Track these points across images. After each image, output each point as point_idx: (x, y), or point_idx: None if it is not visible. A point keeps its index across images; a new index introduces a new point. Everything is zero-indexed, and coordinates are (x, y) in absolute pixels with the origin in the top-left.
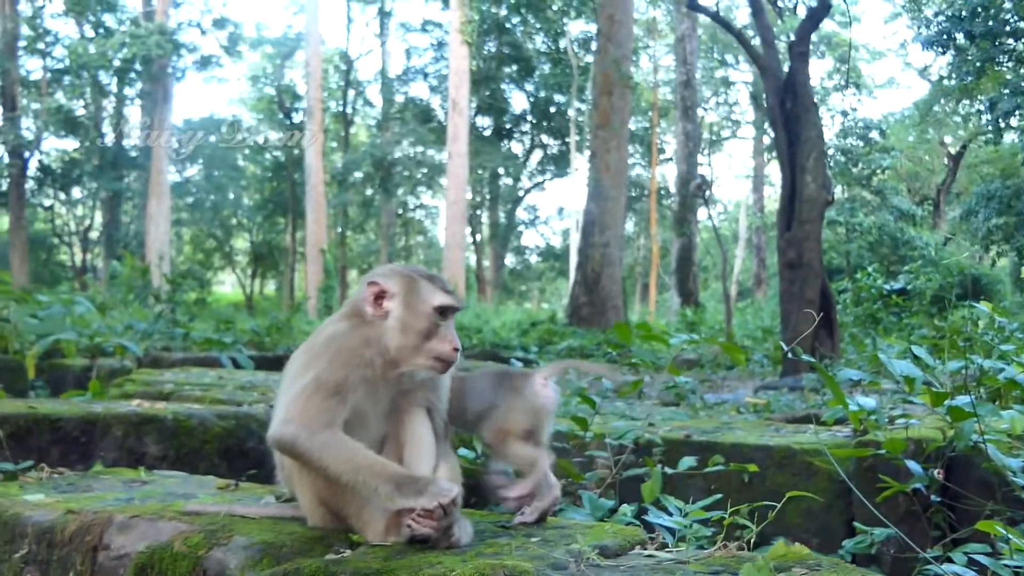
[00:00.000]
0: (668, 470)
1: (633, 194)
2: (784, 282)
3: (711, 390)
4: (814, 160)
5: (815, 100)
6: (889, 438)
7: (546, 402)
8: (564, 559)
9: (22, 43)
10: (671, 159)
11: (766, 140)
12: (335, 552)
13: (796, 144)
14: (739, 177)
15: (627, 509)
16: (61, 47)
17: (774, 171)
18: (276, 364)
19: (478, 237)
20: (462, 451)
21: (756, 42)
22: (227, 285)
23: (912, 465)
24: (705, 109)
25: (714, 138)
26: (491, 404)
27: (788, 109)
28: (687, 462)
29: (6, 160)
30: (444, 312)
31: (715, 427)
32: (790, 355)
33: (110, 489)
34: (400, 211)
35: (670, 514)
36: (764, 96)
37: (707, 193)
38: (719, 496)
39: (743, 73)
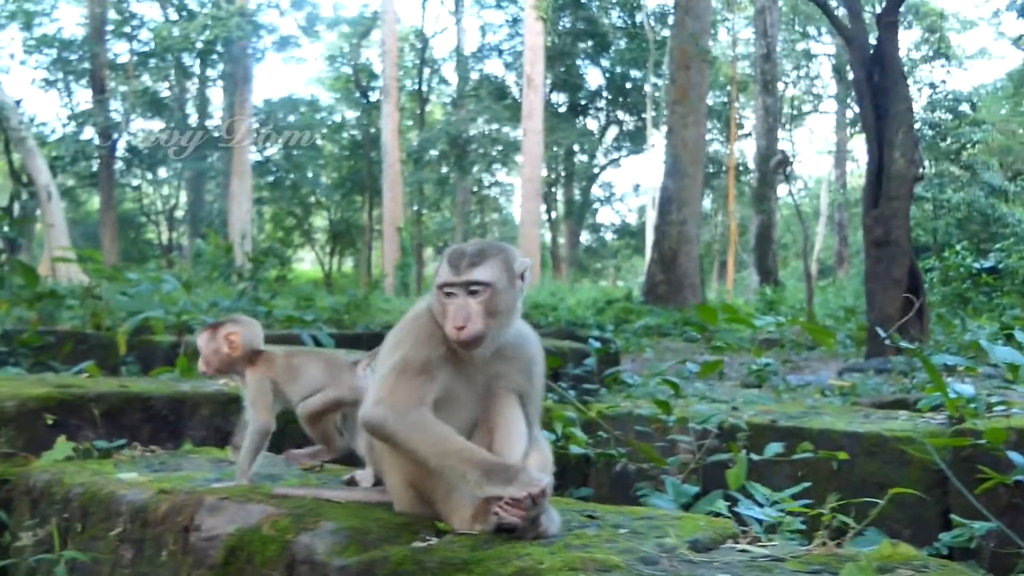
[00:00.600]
0: (754, 456)
1: (711, 170)
2: (870, 261)
3: (793, 372)
4: (903, 135)
5: (903, 72)
6: (990, 427)
7: (364, 386)
8: (655, 553)
9: (109, 27)
10: (750, 134)
11: (849, 114)
12: (421, 539)
13: (884, 118)
14: (820, 152)
15: (720, 504)
16: (146, 30)
17: (858, 146)
18: (355, 342)
19: (553, 214)
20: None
21: (841, 13)
22: (306, 262)
23: (1014, 456)
24: (786, 83)
25: (795, 112)
26: (320, 385)
27: (875, 82)
28: (774, 448)
29: (96, 142)
30: (444, 289)
31: (801, 412)
32: (880, 337)
33: (199, 468)
34: (475, 189)
35: (758, 503)
36: (849, 69)
37: (788, 169)
38: (807, 484)
39: (826, 45)
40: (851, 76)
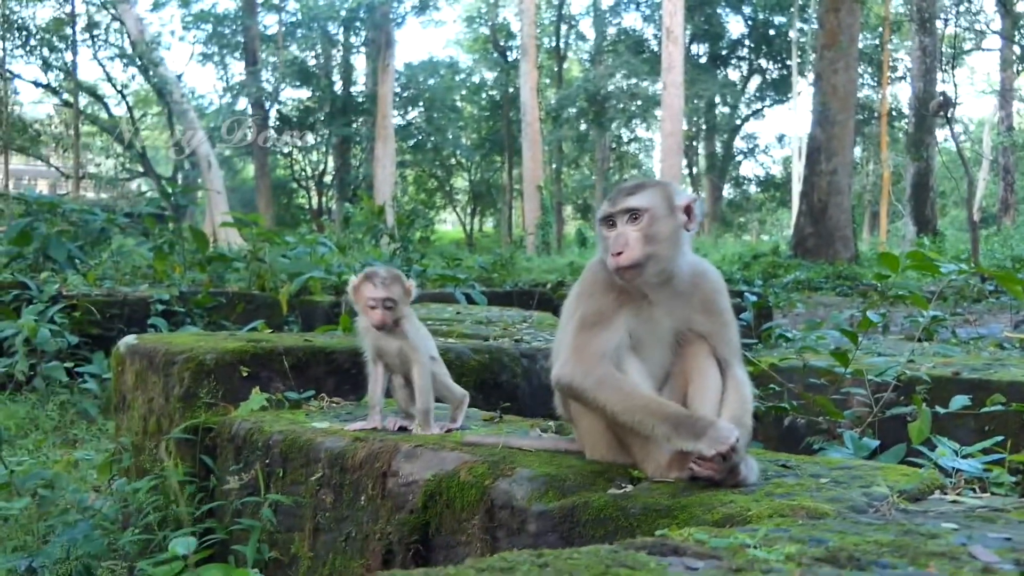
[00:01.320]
0: (939, 409)
1: (861, 117)
2: None
3: (962, 325)
4: None
5: None
6: None
7: None
8: (863, 502)
9: (259, 1)
10: (903, 77)
11: (1016, 50)
12: (617, 487)
13: None
14: (983, 93)
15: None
16: (294, 2)
17: None
18: (506, 299)
19: (694, 169)
20: None
21: None
22: (448, 223)
23: None
24: (944, 20)
25: (955, 51)
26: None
27: None
28: (959, 401)
29: (250, 111)
30: (605, 222)
31: (985, 363)
32: None
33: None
34: (614, 145)
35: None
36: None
37: (950, 112)
38: (999, 438)
39: None
40: (1020, 9)
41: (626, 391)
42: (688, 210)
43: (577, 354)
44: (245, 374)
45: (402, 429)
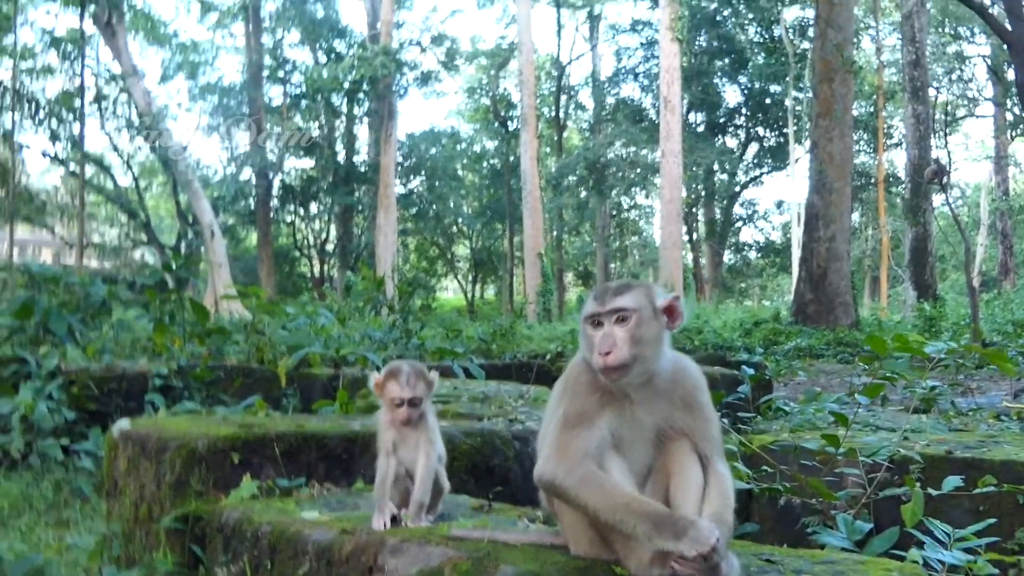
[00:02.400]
0: (931, 490)
1: (858, 183)
2: None
3: (962, 394)
4: None
5: None
6: None
7: None
8: None
9: (265, 73)
10: (899, 144)
11: (1009, 116)
12: None
13: None
14: (978, 159)
15: (915, 552)
16: (298, 74)
17: (1020, 150)
18: (504, 372)
19: (695, 235)
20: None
21: (997, 12)
22: (450, 291)
23: None
24: (937, 88)
25: (948, 118)
26: None
27: None
28: (952, 482)
29: (254, 181)
30: (590, 321)
31: (978, 441)
32: None
33: (373, 507)
34: (615, 212)
35: (939, 542)
36: (1008, 70)
37: (945, 178)
38: (992, 521)
39: (979, 46)
40: (1011, 77)
41: (607, 490)
42: (669, 311)
43: (559, 452)
44: (236, 460)
45: (393, 519)
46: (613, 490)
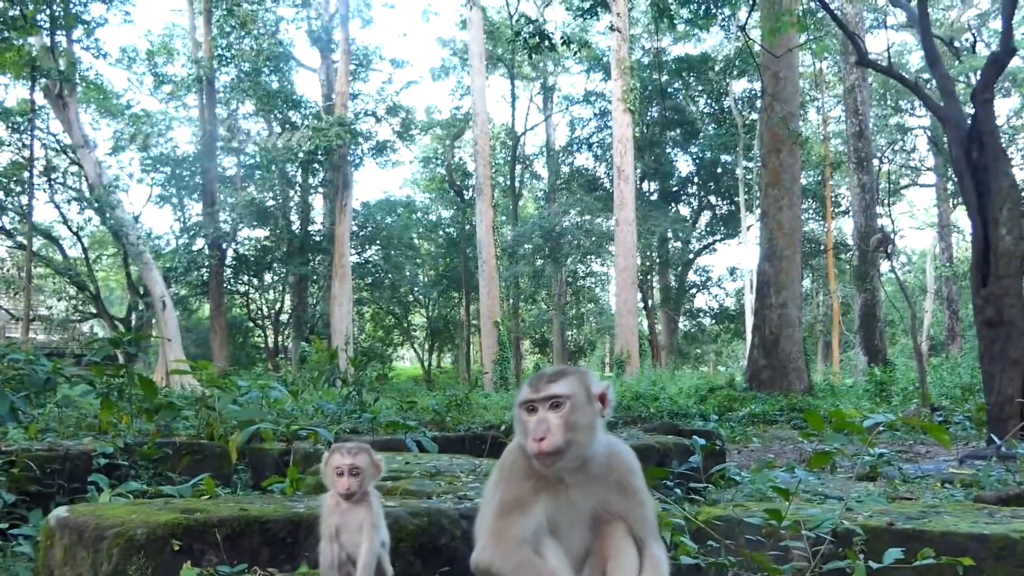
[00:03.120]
0: (872, 564)
1: (808, 250)
2: (984, 342)
3: (909, 460)
4: (1007, 211)
5: (1003, 148)
6: None
7: None
8: None
9: (219, 143)
10: (847, 212)
11: (950, 186)
12: None
13: (986, 195)
14: (922, 226)
15: None
16: (253, 144)
17: (962, 217)
18: (458, 445)
19: (650, 302)
20: None
21: (932, 89)
22: (407, 360)
23: None
24: (880, 159)
25: (892, 187)
26: None
27: (975, 159)
28: (893, 554)
29: (206, 251)
30: (525, 407)
31: (920, 512)
32: (1001, 422)
33: None
34: (570, 280)
35: None
36: (946, 143)
37: (890, 248)
38: None
39: (920, 118)
40: (949, 151)
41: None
42: (603, 398)
43: (495, 539)
44: (177, 548)
45: None
46: None
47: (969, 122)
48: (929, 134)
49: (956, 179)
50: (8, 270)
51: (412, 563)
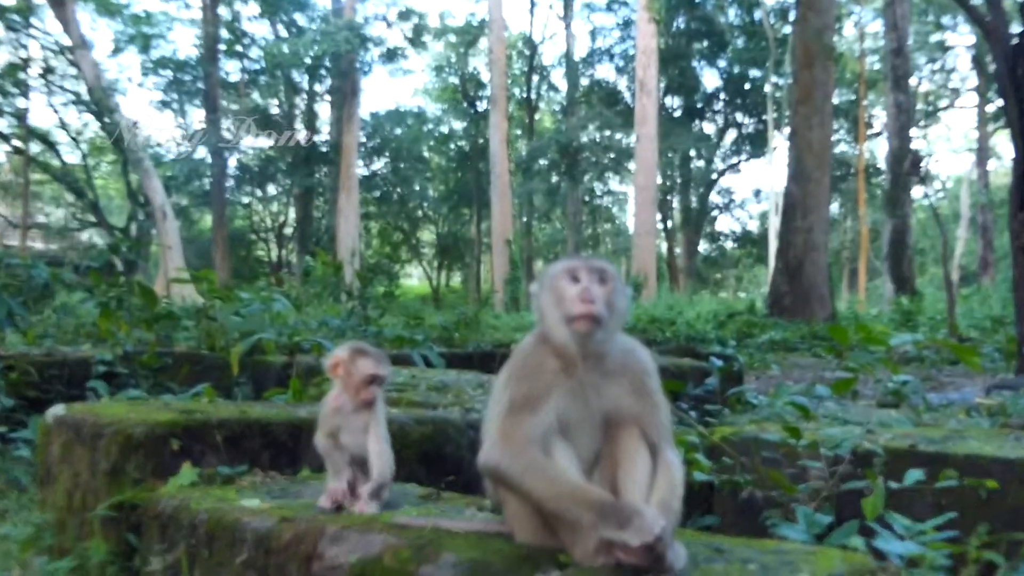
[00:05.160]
0: (892, 484)
1: (838, 173)
2: (1017, 268)
3: (934, 389)
4: None
5: None
6: None
7: None
8: None
9: (221, 47)
10: (881, 134)
11: (991, 108)
12: (543, 572)
13: None
14: (959, 151)
15: (855, 541)
16: (257, 48)
17: (1001, 142)
18: (466, 362)
19: (669, 223)
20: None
21: (978, 1)
22: (414, 277)
23: None
24: (919, 78)
25: (930, 109)
26: None
27: (1020, 76)
28: (914, 475)
29: (209, 160)
30: (568, 274)
31: (944, 435)
32: None
33: (318, 494)
34: (587, 198)
35: (898, 535)
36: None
37: (923, 169)
38: (952, 515)
39: (962, 36)
40: (993, 69)
41: (552, 477)
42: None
43: (504, 439)
44: (176, 448)
45: (338, 507)
46: (558, 477)
47: (1015, 36)
48: (972, 52)
49: (1000, 96)
50: (5, 175)
51: (417, 471)
